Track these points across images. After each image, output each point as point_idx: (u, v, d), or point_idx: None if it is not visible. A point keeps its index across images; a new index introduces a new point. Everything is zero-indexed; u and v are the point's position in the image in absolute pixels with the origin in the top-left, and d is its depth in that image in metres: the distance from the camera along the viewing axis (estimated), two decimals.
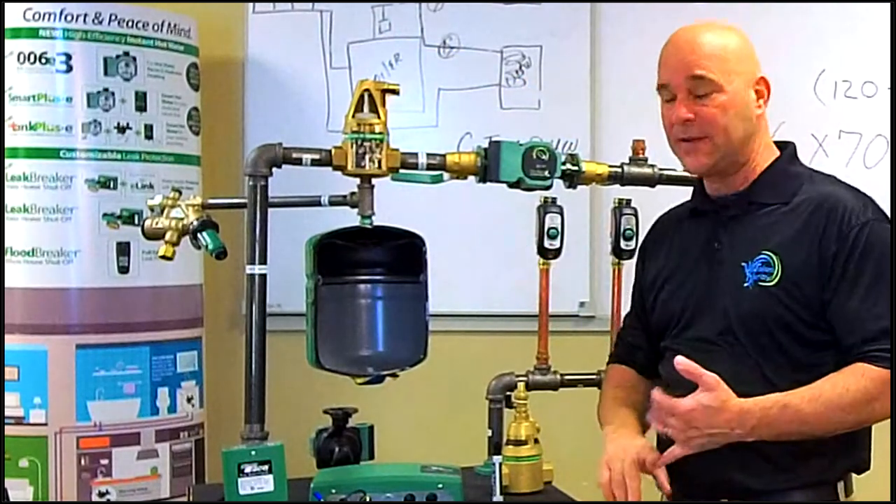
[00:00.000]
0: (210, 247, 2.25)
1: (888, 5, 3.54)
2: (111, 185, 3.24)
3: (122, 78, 3.25)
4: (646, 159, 2.39)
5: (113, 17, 3.23)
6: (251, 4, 3.79)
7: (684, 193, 2.13)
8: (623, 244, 2.48)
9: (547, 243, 2.41)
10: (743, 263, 1.89)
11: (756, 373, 1.86)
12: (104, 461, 3.22)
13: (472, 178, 2.31)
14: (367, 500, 2.12)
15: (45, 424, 3.18)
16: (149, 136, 3.30)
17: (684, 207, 2.09)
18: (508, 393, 2.43)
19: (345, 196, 2.30)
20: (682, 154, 1.96)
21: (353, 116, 2.18)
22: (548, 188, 2.32)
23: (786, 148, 2.00)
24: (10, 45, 3.19)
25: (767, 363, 1.86)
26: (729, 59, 1.90)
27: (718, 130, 1.91)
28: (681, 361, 1.78)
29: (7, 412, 3.13)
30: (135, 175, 3.28)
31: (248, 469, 1.99)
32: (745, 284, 1.88)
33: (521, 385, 2.39)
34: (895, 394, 1.77)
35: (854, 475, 1.92)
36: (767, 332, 1.86)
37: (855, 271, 1.83)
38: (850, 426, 1.82)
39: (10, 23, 3.18)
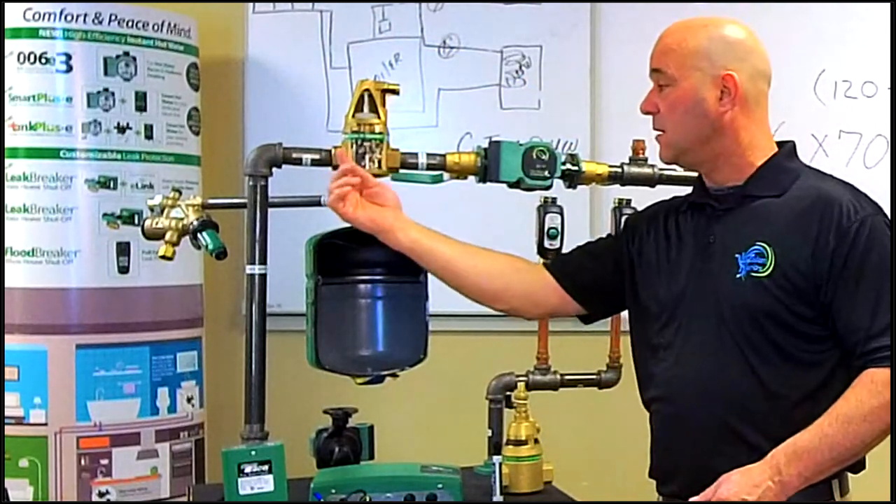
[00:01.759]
0: (210, 247, 2.24)
1: (888, 5, 3.54)
2: (111, 185, 3.24)
3: (122, 78, 3.25)
4: (646, 159, 2.39)
5: (113, 17, 3.23)
6: (251, 4, 3.79)
7: (684, 193, 2.13)
8: None
9: (547, 243, 2.40)
10: (736, 255, 1.89)
11: (744, 364, 1.86)
12: (104, 461, 3.22)
13: (472, 178, 2.31)
14: (367, 500, 2.12)
15: (45, 424, 3.18)
16: (149, 136, 3.30)
17: (683, 199, 2.09)
18: (508, 393, 2.42)
19: None
20: None
21: (353, 116, 2.18)
22: (548, 188, 2.31)
23: (785, 145, 2.00)
24: (10, 45, 3.19)
25: (757, 355, 1.86)
26: (685, 54, 1.91)
27: (669, 125, 1.95)
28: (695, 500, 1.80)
29: (7, 412, 3.13)
30: (135, 175, 3.28)
31: (248, 469, 1.99)
32: (738, 275, 1.88)
33: (521, 385, 2.39)
34: (895, 394, 1.77)
35: (850, 474, 1.92)
36: (759, 323, 1.86)
37: (858, 269, 1.82)
38: (879, 436, 1.80)
39: (10, 23, 3.18)
